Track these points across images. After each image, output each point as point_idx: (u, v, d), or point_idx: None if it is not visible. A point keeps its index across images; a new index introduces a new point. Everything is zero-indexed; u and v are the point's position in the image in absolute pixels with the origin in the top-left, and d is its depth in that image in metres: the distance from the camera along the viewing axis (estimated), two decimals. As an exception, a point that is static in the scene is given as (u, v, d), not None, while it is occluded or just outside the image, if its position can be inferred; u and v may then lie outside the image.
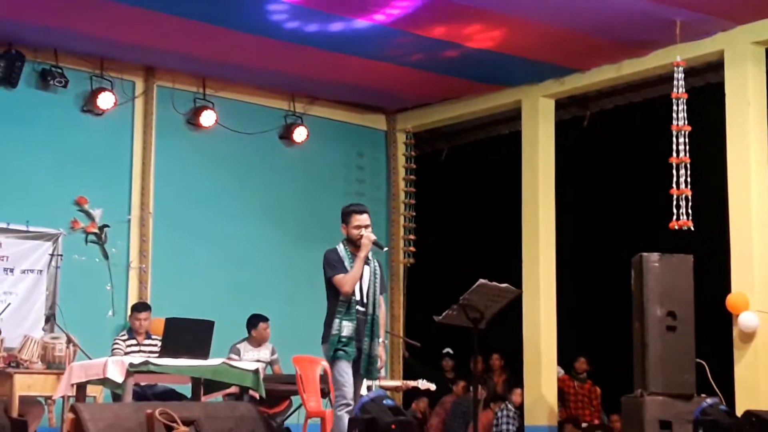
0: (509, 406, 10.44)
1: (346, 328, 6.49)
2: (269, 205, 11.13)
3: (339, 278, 6.54)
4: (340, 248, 6.66)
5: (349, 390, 6.43)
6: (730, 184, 9.06)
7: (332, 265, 6.58)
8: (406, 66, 10.22)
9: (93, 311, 9.78)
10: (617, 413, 9.91)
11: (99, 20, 9.10)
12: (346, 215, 6.70)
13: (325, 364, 8.48)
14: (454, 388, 11.26)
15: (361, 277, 6.60)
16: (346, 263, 6.57)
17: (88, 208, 9.99)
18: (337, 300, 6.55)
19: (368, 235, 6.60)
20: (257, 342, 9.22)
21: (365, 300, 6.61)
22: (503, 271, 8.46)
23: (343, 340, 6.48)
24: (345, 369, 6.47)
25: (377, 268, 6.73)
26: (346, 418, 6.26)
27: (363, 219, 6.66)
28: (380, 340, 6.67)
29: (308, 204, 11.35)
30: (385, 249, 6.77)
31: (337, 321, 6.50)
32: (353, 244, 6.64)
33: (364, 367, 6.57)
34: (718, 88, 9.29)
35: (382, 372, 7.05)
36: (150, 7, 8.72)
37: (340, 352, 6.47)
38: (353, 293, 6.56)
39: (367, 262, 6.64)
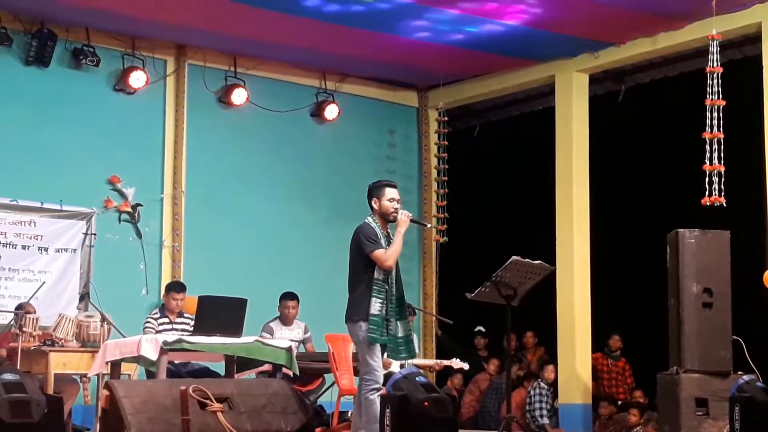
0: (542, 384, 10.39)
1: (384, 308, 6.26)
2: (301, 182, 11.11)
3: (380, 253, 6.27)
4: (372, 223, 6.42)
5: (380, 374, 6.25)
6: (768, 159, 8.92)
7: (371, 239, 6.32)
8: (438, 42, 10.12)
9: (126, 290, 9.83)
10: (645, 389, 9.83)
11: (130, -1, 9.10)
12: (378, 189, 6.48)
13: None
14: (486, 366, 11.21)
15: None
16: (382, 241, 6.34)
17: (121, 187, 10.03)
18: (371, 277, 6.28)
19: (406, 213, 6.42)
20: (285, 320, 9.22)
21: (391, 278, 6.37)
22: (537, 247, 8.41)
23: (382, 321, 6.24)
24: (378, 353, 6.26)
25: None
26: (378, 402, 6.07)
27: (395, 192, 6.47)
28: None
29: (340, 181, 11.31)
30: (429, 226, 6.51)
31: (378, 301, 6.25)
32: (384, 219, 6.43)
33: (392, 348, 6.33)
34: (756, 61, 9.13)
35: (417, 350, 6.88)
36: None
37: (381, 336, 6.22)
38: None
39: (390, 238, 6.43)
